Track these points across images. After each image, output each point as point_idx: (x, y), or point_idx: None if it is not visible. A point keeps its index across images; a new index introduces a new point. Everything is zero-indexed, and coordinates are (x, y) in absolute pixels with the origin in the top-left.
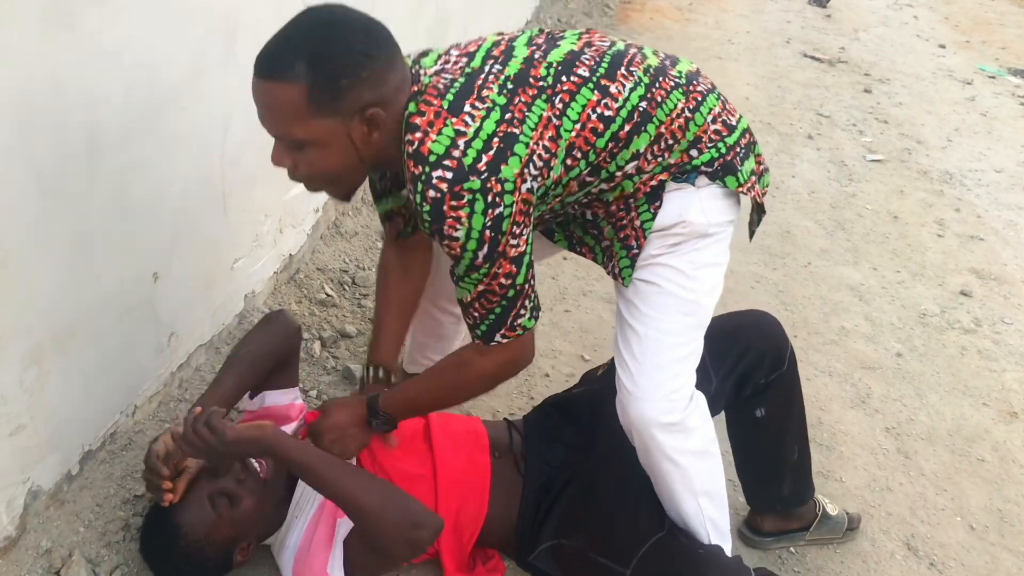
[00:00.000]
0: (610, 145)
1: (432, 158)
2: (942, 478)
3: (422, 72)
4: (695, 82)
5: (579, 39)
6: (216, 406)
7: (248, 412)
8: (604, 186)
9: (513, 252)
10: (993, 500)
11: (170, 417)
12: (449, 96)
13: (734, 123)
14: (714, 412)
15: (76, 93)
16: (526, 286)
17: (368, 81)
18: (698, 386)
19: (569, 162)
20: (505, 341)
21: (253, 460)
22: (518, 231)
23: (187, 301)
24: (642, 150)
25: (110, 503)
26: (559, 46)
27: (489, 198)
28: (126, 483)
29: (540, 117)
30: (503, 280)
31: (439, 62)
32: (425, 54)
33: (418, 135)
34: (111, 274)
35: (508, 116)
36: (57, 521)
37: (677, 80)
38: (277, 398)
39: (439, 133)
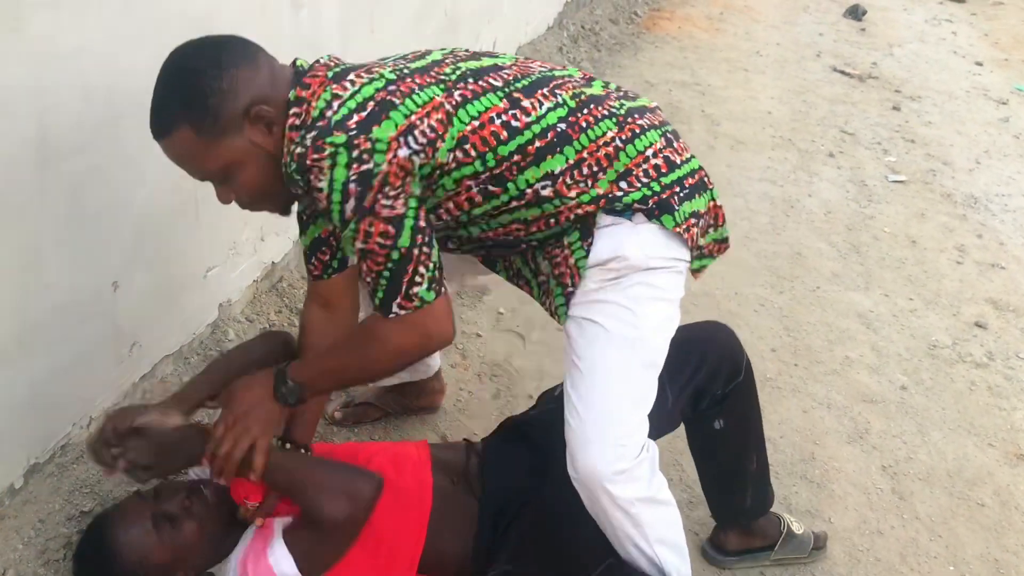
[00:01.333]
0: (515, 156)
1: (309, 121)
2: (937, 523)
3: (321, 59)
4: (636, 115)
5: (514, 61)
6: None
7: None
8: (517, 203)
9: (386, 212)
10: (990, 549)
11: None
12: (336, 69)
13: (677, 162)
14: (672, 427)
15: (24, 99)
16: (414, 251)
17: (233, 88)
18: (657, 407)
19: (460, 155)
20: (404, 312)
21: (203, 488)
22: (392, 193)
23: (152, 310)
24: (557, 171)
25: (54, 519)
26: (481, 60)
27: (355, 153)
28: (73, 498)
29: (430, 98)
30: (380, 240)
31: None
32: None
33: (303, 107)
34: (63, 283)
35: (392, 88)
36: None
37: (613, 110)
38: None
39: (318, 99)
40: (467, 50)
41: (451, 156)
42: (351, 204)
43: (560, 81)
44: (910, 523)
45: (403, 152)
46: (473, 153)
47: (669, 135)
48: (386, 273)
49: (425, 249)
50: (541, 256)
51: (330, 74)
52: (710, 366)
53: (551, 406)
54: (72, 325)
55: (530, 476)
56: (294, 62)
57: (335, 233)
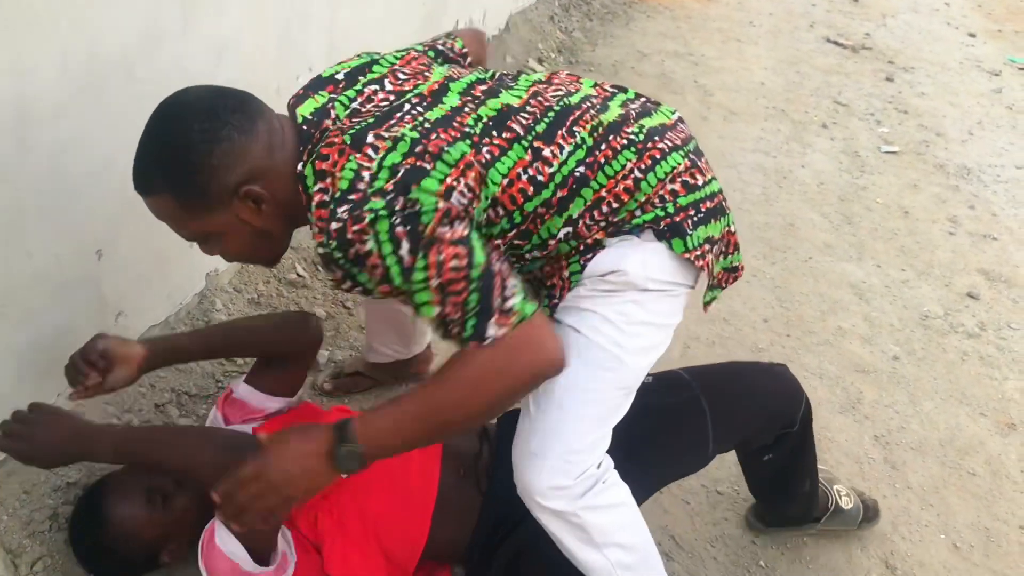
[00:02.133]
0: (540, 210)
1: (338, 195)
2: (929, 492)
3: (331, 114)
4: (656, 138)
5: (528, 90)
6: (162, 353)
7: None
8: (538, 253)
9: (449, 236)
10: (981, 517)
11: (115, 400)
12: (353, 131)
13: (699, 184)
14: (703, 466)
15: (3, 62)
16: (495, 264)
17: (223, 165)
18: (691, 446)
19: (491, 214)
20: (503, 330)
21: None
22: (447, 222)
23: (137, 279)
24: (575, 216)
25: (38, 491)
26: (499, 96)
27: (396, 206)
28: (59, 469)
29: (462, 156)
30: (454, 264)
31: (358, 99)
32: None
33: (327, 181)
34: (45, 250)
35: (419, 149)
36: None
37: (632, 138)
38: (249, 397)
39: (341, 170)
40: (477, 76)
41: (484, 216)
42: (406, 246)
43: (579, 113)
44: (902, 492)
45: (454, 200)
46: (502, 212)
47: (692, 155)
48: (473, 296)
49: (505, 266)
50: (539, 268)
51: (347, 139)
52: (762, 425)
53: None
54: (55, 293)
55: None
56: (292, 112)
57: (402, 294)
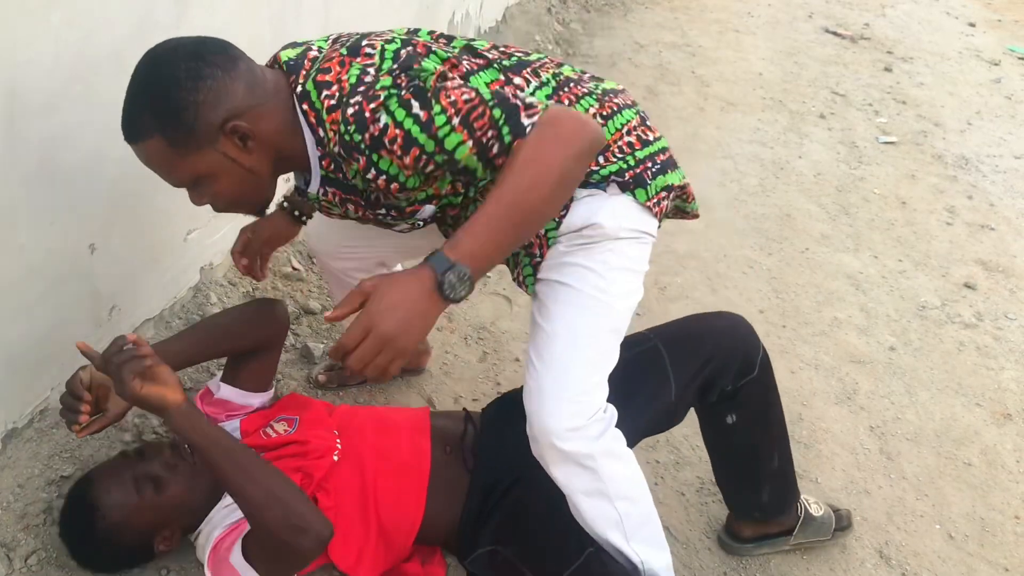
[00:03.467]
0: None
1: (348, 90)
2: (924, 482)
3: (312, 49)
4: (612, 95)
5: (488, 44)
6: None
7: (203, 402)
8: None
9: (450, 84)
10: (976, 507)
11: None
12: (347, 45)
13: (650, 139)
14: (674, 422)
15: None
16: (499, 89)
17: (208, 102)
18: (656, 392)
19: None
20: (537, 115)
21: (186, 445)
22: (444, 77)
23: (131, 273)
24: None
25: (33, 484)
26: (464, 40)
27: (401, 81)
28: (53, 463)
29: (444, 60)
30: (465, 97)
31: (330, 41)
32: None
33: (334, 88)
34: (38, 244)
35: (410, 48)
36: None
37: (590, 89)
38: (234, 396)
39: (347, 74)
40: (443, 34)
41: None
42: (416, 104)
43: (538, 64)
44: (897, 483)
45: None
46: None
47: (642, 114)
48: (496, 110)
49: (508, 86)
50: None
51: (343, 51)
52: (720, 360)
53: None
54: (48, 287)
55: (525, 453)
56: (276, 58)
57: (434, 155)
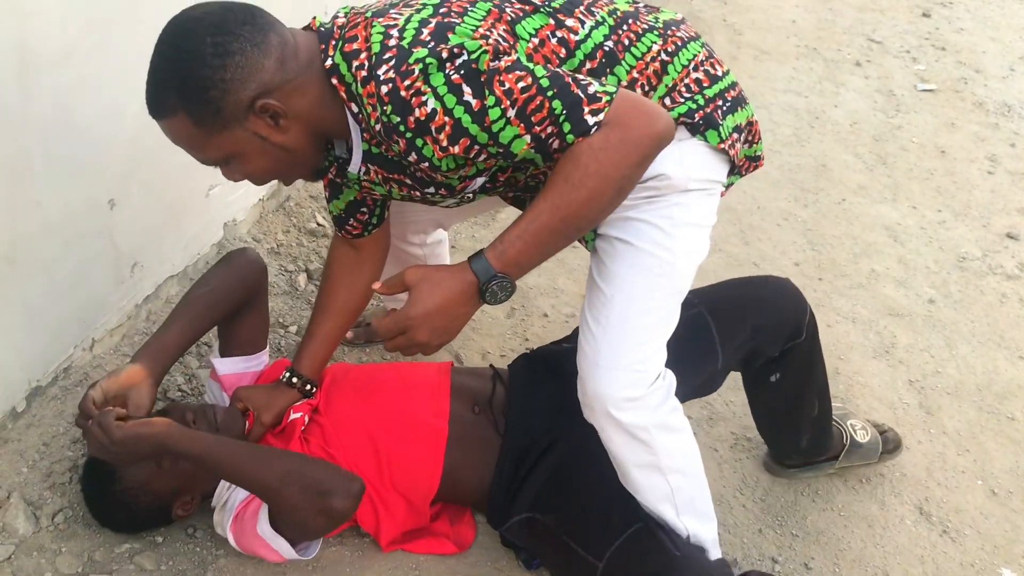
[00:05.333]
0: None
1: (374, 60)
2: (965, 437)
3: (339, 15)
4: (674, 28)
5: None
6: (157, 356)
7: (223, 375)
8: None
9: (504, 65)
10: (1020, 462)
11: (134, 351)
12: (373, 9)
13: (718, 74)
14: (716, 387)
15: (2, 4)
16: (558, 71)
17: (236, 79)
18: (701, 361)
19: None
20: (602, 114)
21: (208, 409)
22: (497, 56)
23: (152, 230)
24: None
25: (58, 442)
26: None
27: (444, 54)
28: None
29: (487, 12)
30: (522, 86)
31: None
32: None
33: (363, 57)
34: (55, 199)
35: (443, 10)
36: None
37: (651, 24)
38: (235, 367)
39: (369, 39)
40: None
41: None
42: (468, 91)
43: (589, 1)
44: (937, 438)
45: (493, 37)
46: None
47: (708, 47)
48: (556, 103)
49: (560, 29)
50: None
51: (368, 13)
52: (769, 331)
53: None
54: (67, 244)
55: (560, 414)
56: (313, 22)
57: (487, 146)
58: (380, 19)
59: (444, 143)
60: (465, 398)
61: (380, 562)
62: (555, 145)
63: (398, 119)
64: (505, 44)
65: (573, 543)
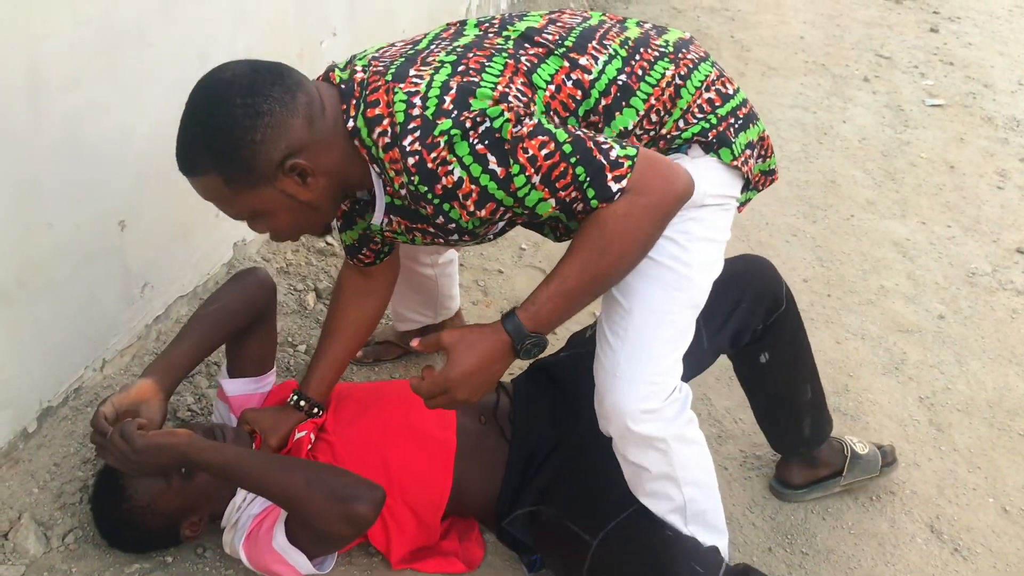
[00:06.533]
0: (592, 118)
1: (399, 130)
2: (977, 454)
3: (357, 70)
4: (684, 50)
5: (543, 17)
6: (167, 371)
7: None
8: None
9: (526, 131)
10: None
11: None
12: (392, 69)
13: (730, 92)
14: (705, 367)
15: (13, 29)
16: (579, 133)
17: (267, 140)
18: (689, 348)
19: (552, 117)
20: (625, 181)
21: (216, 429)
22: (519, 122)
23: (162, 250)
24: (630, 127)
25: (69, 463)
26: (516, 23)
27: (468, 124)
28: (88, 441)
29: (504, 66)
30: (544, 152)
31: (379, 53)
32: (352, 60)
33: (385, 123)
34: (65, 221)
35: (461, 68)
36: (9, 481)
37: (662, 50)
38: (243, 388)
39: (392, 105)
40: (490, 19)
41: (544, 119)
42: (493, 159)
43: (602, 31)
44: (948, 455)
45: (511, 99)
46: (557, 121)
47: (718, 66)
48: (579, 169)
49: (585, 129)
50: None
51: (388, 77)
52: (748, 304)
53: (581, 349)
54: (77, 265)
55: (561, 420)
56: (330, 71)
57: (513, 208)
58: (401, 85)
59: (471, 208)
60: (471, 410)
61: None
62: (579, 208)
63: (425, 188)
64: (524, 101)
65: (571, 524)
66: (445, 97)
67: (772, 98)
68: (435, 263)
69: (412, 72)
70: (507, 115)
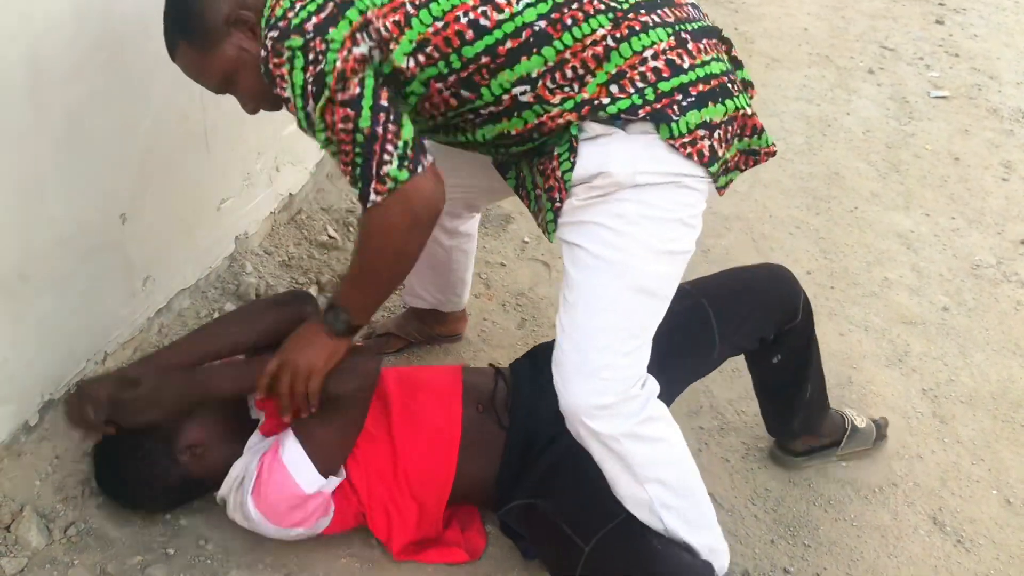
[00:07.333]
0: (484, 59)
1: (272, 19)
2: (980, 446)
3: None
4: (642, 11)
5: None
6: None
7: None
8: (495, 109)
9: (342, 96)
10: None
11: (148, 342)
12: None
13: (684, 66)
14: (713, 368)
15: (13, 22)
16: (377, 129)
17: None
18: (699, 351)
19: (421, 58)
20: (381, 198)
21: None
22: (350, 80)
23: (164, 243)
24: (535, 74)
25: (70, 456)
26: None
27: (310, 56)
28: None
29: (359, 14)
30: (342, 126)
31: None
32: None
33: (276, 5)
34: (67, 215)
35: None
36: (11, 474)
37: (612, 4)
38: None
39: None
40: None
41: (410, 61)
42: (312, 104)
43: None
44: (951, 447)
45: (358, 49)
46: (436, 55)
47: (684, 34)
48: (358, 160)
49: (391, 127)
50: (536, 168)
51: None
52: (764, 316)
53: None
54: (79, 258)
55: (559, 408)
56: None
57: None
58: None
59: (295, 116)
60: (471, 398)
61: (391, 574)
62: (351, 184)
63: (267, 80)
64: (372, 45)
65: (565, 526)
66: (313, 16)
67: (776, 90)
68: (455, 230)
69: None
70: (339, 66)
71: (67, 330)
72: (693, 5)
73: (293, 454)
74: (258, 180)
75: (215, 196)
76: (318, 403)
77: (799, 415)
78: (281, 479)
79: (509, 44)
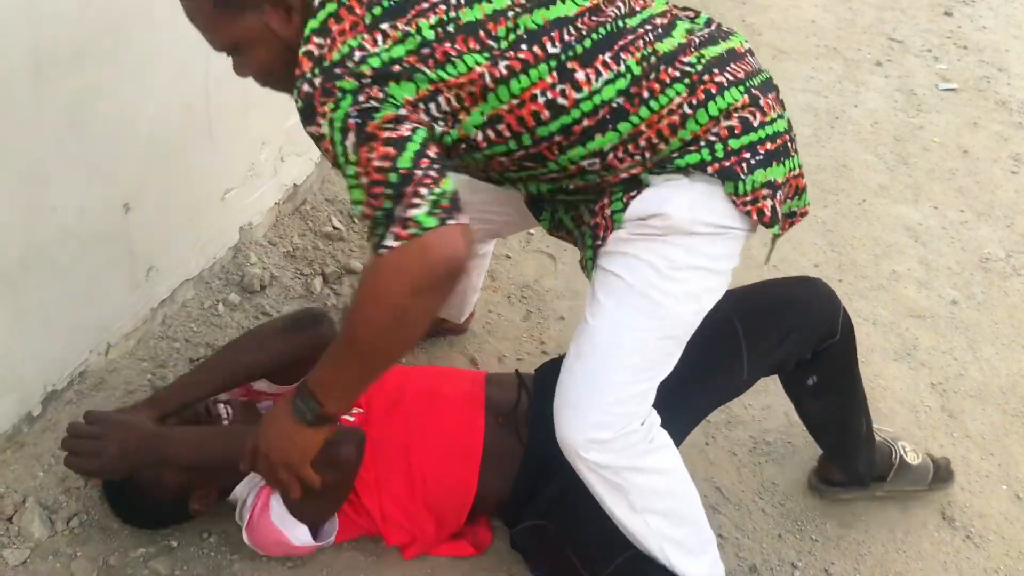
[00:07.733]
0: (557, 137)
1: (325, 64)
2: (990, 440)
3: None
4: (715, 71)
5: (590, 1)
6: (155, 405)
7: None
8: (558, 175)
9: (387, 134)
10: None
11: (150, 356)
12: (375, 11)
13: (754, 124)
14: (741, 393)
15: (17, 10)
16: (416, 172)
17: None
18: (727, 371)
19: (491, 134)
20: (399, 243)
21: (220, 405)
22: (402, 124)
23: (168, 233)
24: (606, 149)
25: None
26: (551, 7)
27: (362, 99)
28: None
29: (468, 70)
30: (379, 164)
31: None
32: None
33: (327, 41)
34: (70, 204)
35: (425, 51)
36: (14, 465)
37: (687, 68)
38: (268, 388)
39: (344, 44)
40: None
41: (479, 134)
42: (351, 139)
43: (631, 38)
44: (960, 441)
45: (420, 115)
46: (507, 133)
47: (755, 90)
48: (386, 204)
49: (432, 172)
50: (583, 206)
51: (366, 18)
52: (801, 332)
53: None
54: (82, 248)
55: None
56: None
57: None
58: (366, 36)
59: (326, 156)
60: (492, 410)
61: (394, 566)
62: (369, 232)
63: (303, 120)
64: (435, 115)
65: (574, 557)
66: (380, 66)
67: (783, 82)
68: (475, 253)
69: (384, 26)
70: (395, 113)
71: (70, 320)
72: (750, 52)
73: (278, 515)
74: (262, 170)
75: (219, 186)
76: (299, 492)
77: (862, 454)
78: (270, 531)
79: (585, 123)
